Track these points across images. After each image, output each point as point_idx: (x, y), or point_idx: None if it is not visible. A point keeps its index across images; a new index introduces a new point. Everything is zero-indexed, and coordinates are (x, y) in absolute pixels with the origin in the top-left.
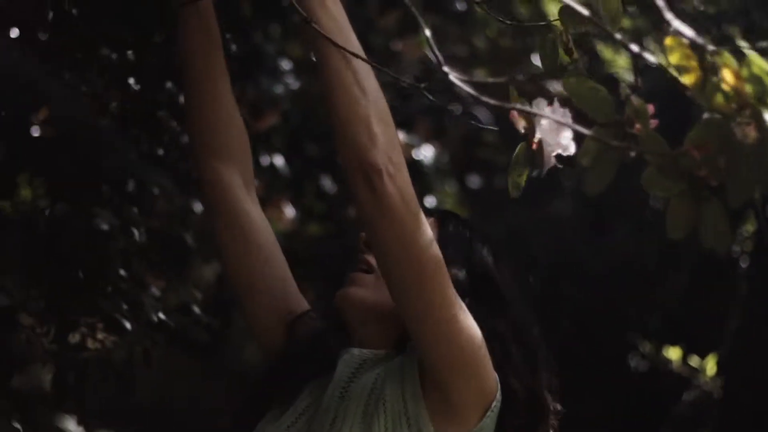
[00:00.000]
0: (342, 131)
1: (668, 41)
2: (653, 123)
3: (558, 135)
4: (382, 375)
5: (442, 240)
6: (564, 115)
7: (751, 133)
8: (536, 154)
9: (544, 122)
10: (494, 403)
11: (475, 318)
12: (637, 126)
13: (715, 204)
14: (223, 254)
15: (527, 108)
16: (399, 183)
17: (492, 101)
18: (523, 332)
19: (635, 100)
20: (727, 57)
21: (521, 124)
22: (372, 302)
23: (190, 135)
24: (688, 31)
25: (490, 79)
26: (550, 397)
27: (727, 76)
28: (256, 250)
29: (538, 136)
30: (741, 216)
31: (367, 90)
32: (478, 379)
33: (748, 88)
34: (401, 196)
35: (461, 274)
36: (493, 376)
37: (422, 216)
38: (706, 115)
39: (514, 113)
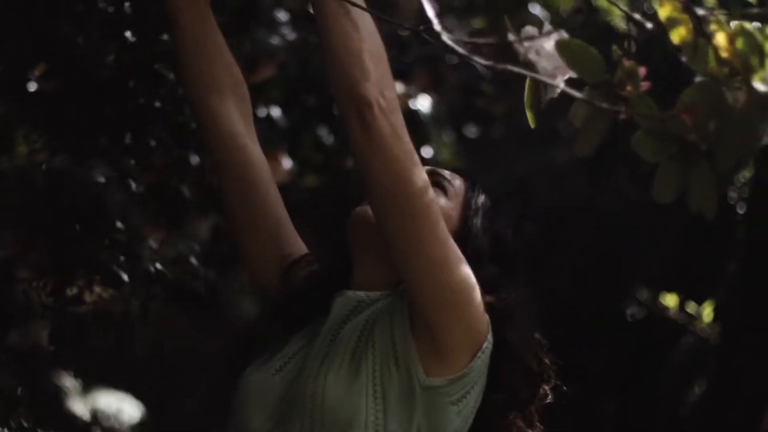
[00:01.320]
0: (334, 65)
1: (660, 1)
2: (644, 85)
3: (557, 59)
4: (372, 317)
5: (470, 204)
6: (559, 35)
7: (742, 98)
8: (542, 82)
9: (542, 50)
10: (485, 345)
11: (490, 282)
12: (628, 88)
13: (704, 168)
14: (221, 190)
15: (519, 69)
16: (391, 117)
17: (484, 61)
18: (524, 305)
19: (626, 62)
20: (721, 22)
21: (521, 56)
22: None
23: (180, 72)
24: None
25: (481, 40)
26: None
27: (721, 41)
28: (252, 187)
29: (538, 65)
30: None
31: (359, 25)
32: (467, 321)
33: (740, 54)
34: (393, 130)
35: (485, 239)
36: (485, 320)
37: (413, 151)
38: (698, 79)
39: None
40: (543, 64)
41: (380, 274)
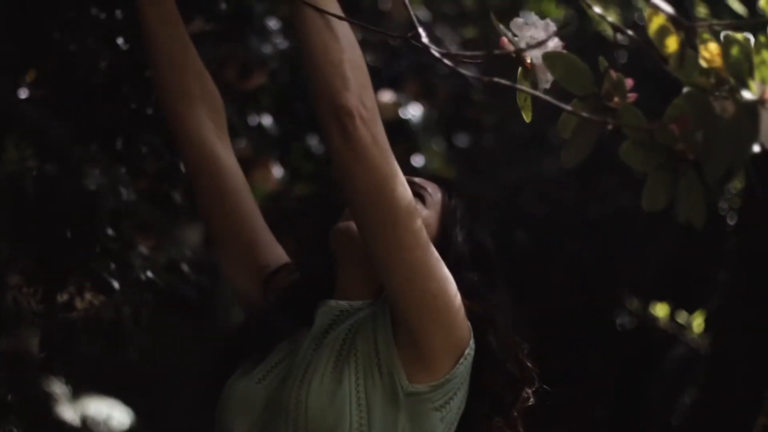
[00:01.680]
0: (315, 76)
1: (648, 13)
2: (631, 96)
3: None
4: (355, 325)
5: (448, 211)
6: (547, 27)
7: (729, 107)
8: (533, 74)
9: (532, 41)
10: (467, 351)
11: (471, 288)
12: (615, 99)
13: (692, 178)
14: (197, 200)
15: (505, 81)
16: (371, 127)
17: (471, 73)
18: (506, 311)
19: (613, 73)
20: (707, 34)
21: (510, 48)
22: None
23: (154, 83)
24: (666, 7)
25: (468, 53)
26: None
27: (711, 50)
28: (225, 195)
29: (529, 57)
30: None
31: (339, 36)
32: (449, 326)
33: (728, 64)
34: (374, 138)
35: (464, 246)
36: (466, 326)
37: (394, 160)
38: (685, 90)
39: (504, 39)
40: (535, 53)
41: (363, 283)
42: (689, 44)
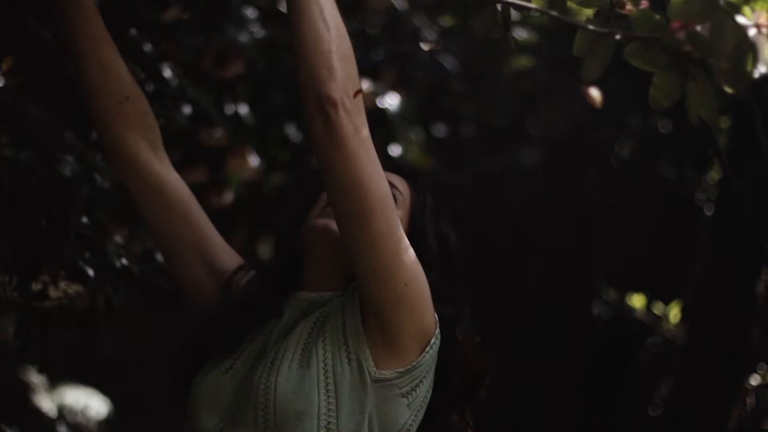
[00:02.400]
0: (303, 64)
1: None
2: (644, 3)
3: None
4: (323, 313)
5: (417, 209)
6: None
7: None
8: None
9: None
10: (433, 340)
11: (439, 283)
12: (628, 7)
13: (700, 77)
14: (145, 220)
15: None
16: (354, 118)
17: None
18: (468, 306)
19: None
20: None
21: None
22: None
23: (87, 108)
24: None
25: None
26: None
27: None
28: (172, 209)
29: None
30: (705, 164)
31: (331, 25)
32: (417, 314)
33: None
34: (355, 129)
35: (434, 243)
36: (433, 315)
37: (374, 152)
38: None
39: None
40: None
41: (333, 275)
42: None
